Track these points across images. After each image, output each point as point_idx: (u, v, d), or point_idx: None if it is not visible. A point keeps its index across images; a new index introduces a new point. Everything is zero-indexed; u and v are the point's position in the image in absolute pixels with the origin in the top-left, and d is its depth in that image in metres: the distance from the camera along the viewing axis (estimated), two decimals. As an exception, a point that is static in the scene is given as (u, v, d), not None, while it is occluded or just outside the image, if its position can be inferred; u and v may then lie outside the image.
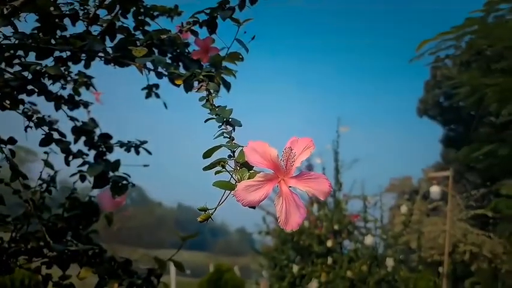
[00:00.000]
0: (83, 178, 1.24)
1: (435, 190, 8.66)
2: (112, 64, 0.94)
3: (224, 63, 1.11)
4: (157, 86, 1.25)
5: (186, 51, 1.11)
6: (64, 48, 0.93)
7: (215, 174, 0.61)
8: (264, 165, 0.58)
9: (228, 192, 0.58)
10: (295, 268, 5.79)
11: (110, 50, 1.03)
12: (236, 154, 0.62)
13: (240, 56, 1.12)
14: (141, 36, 1.14)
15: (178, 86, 0.93)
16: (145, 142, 1.15)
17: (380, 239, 5.97)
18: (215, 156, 0.65)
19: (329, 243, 5.78)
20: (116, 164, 1.07)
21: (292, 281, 5.84)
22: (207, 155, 0.64)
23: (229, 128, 0.69)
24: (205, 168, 0.62)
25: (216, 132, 0.68)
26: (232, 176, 0.59)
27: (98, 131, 1.13)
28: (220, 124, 0.70)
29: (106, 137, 1.11)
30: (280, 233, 6.20)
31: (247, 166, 0.60)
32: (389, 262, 5.36)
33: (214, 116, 0.71)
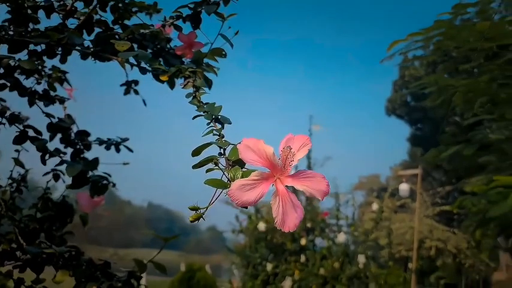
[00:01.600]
0: (56, 177, 1.19)
1: (404, 188, 8.89)
2: (92, 58, 0.90)
3: (206, 60, 1.09)
4: (136, 82, 1.21)
5: (168, 46, 1.08)
6: (40, 41, 0.89)
7: (206, 172, 0.58)
8: (259, 163, 0.55)
9: (219, 191, 0.56)
10: (269, 266, 5.81)
11: (87, 44, 0.99)
12: (227, 152, 0.60)
13: (224, 53, 1.10)
14: (119, 31, 1.10)
15: (163, 82, 0.90)
16: (126, 139, 1.11)
17: (351, 236, 6.08)
18: (203, 155, 0.63)
19: (302, 241, 5.83)
20: (95, 163, 1.03)
21: (266, 279, 5.86)
22: (196, 152, 0.62)
23: (218, 126, 0.67)
24: (195, 166, 0.60)
25: (204, 130, 0.66)
26: (224, 174, 0.57)
27: (74, 128, 1.08)
28: (209, 121, 0.68)
29: (83, 134, 1.07)
30: (254, 231, 6.21)
31: (239, 164, 0.58)
32: (361, 259, 5.46)
33: (202, 113, 0.69)
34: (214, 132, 0.65)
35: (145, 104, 1.26)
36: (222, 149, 0.61)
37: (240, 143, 0.56)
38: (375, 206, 6.83)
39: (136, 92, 1.22)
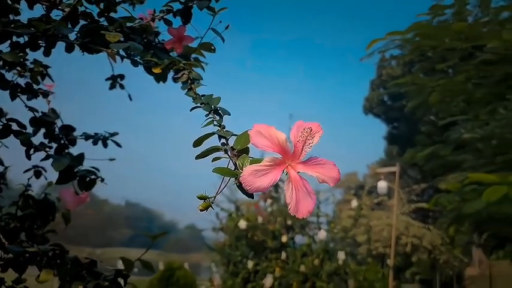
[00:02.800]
0: (38, 174, 1.15)
1: (382, 185, 9.03)
2: (80, 51, 0.87)
3: (194, 55, 1.08)
4: (122, 76, 1.18)
5: (156, 40, 1.06)
6: (26, 32, 0.85)
7: (212, 161, 0.58)
8: (270, 149, 0.55)
9: (227, 179, 0.56)
10: (250, 264, 5.81)
11: (73, 37, 0.96)
12: (230, 142, 0.59)
13: (213, 47, 1.09)
14: (105, 23, 1.07)
15: (155, 75, 0.88)
16: (115, 134, 1.07)
17: (331, 233, 6.13)
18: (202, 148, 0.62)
19: (283, 239, 5.85)
20: (80, 158, 1.00)
21: (246, 276, 5.86)
22: (197, 143, 0.61)
23: (217, 117, 0.66)
24: (198, 156, 0.59)
25: (203, 121, 0.65)
26: (232, 162, 0.57)
27: (59, 123, 1.05)
28: (208, 113, 0.67)
29: (68, 129, 1.03)
30: (234, 229, 6.20)
31: (244, 153, 0.57)
32: (341, 255, 5.51)
33: (200, 105, 0.68)
34: (215, 123, 0.64)
35: (130, 99, 1.24)
36: (225, 139, 0.60)
37: (247, 131, 0.56)
38: (354, 204, 6.91)
39: (122, 87, 1.19)
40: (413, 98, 5.85)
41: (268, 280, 5.47)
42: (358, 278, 5.84)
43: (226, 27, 1.02)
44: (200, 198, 0.56)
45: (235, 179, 0.55)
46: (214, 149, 0.59)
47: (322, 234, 5.75)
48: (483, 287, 13.22)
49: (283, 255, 5.75)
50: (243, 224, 5.92)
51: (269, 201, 6.23)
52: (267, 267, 5.71)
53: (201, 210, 0.56)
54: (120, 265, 1.15)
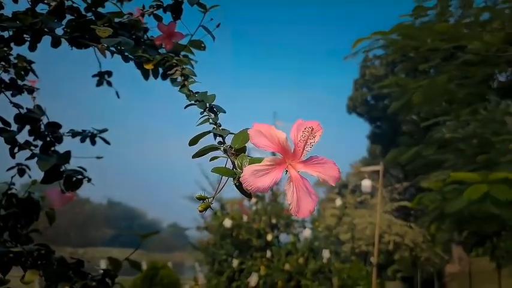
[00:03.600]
0: (22, 172, 1.12)
1: (366, 184, 9.12)
2: (69, 45, 0.84)
3: (183, 53, 1.06)
4: (110, 73, 1.16)
5: (145, 36, 1.04)
6: (11, 26, 0.83)
7: (210, 161, 0.57)
8: (271, 148, 0.54)
9: (225, 178, 0.55)
10: (235, 262, 5.79)
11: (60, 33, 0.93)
12: (228, 141, 0.58)
13: (203, 45, 1.07)
14: (93, 18, 1.04)
15: (146, 71, 0.86)
16: (104, 130, 1.05)
17: (315, 232, 6.16)
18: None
19: (268, 237, 5.85)
20: (67, 156, 0.97)
21: (231, 275, 5.84)
22: (193, 142, 0.60)
23: (212, 115, 0.65)
24: (195, 156, 0.58)
25: (198, 119, 0.64)
26: (231, 162, 0.56)
27: (44, 119, 1.02)
28: (202, 111, 0.65)
29: (54, 126, 1.00)
30: (219, 228, 6.18)
31: (242, 152, 0.56)
32: (326, 254, 5.55)
33: (194, 102, 0.67)
34: (210, 121, 0.63)
35: (118, 96, 1.21)
36: (222, 138, 0.59)
37: (245, 129, 0.55)
38: (338, 202, 6.96)
39: (109, 84, 1.17)
40: (396, 100, 5.92)
41: (253, 279, 5.46)
42: (342, 276, 5.89)
43: (218, 26, 1.00)
44: (199, 198, 0.55)
45: (234, 179, 0.54)
46: (212, 148, 0.58)
47: (307, 233, 5.77)
48: (463, 283, 13.50)
49: (268, 253, 5.75)
50: (228, 222, 5.90)
51: (254, 199, 6.23)
52: (252, 265, 5.70)
53: (200, 211, 0.55)
54: (103, 265, 1.13)
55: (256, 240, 5.89)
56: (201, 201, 0.55)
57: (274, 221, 6.03)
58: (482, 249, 9.19)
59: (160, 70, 0.93)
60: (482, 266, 12.23)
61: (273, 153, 0.57)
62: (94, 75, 1.15)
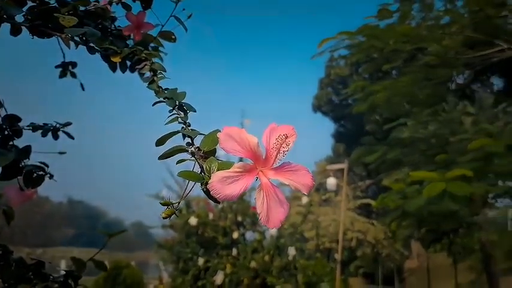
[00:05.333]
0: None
1: (331, 182, 9.26)
2: (30, 34, 0.79)
3: (152, 44, 1.02)
4: (74, 64, 1.10)
5: (113, 26, 0.99)
6: (-34, 10, 0.77)
7: (176, 164, 0.53)
8: (241, 154, 0.51)
9: (192, 183, 0.51)
10: (201, 261, 5.73)
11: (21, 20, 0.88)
12: (197, 142, 0.55)
13: (173, 36, 1.04)
14: (56, 6, 0.99)
15: (113, 63, 0.83)
16: (68, 124, 0.99)
17: (281, 230, 6.20)
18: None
19: (234, 235, 5.83)
20: (26, 151, 0.92)
21: (197, 274, 5.78)
22: (160, 142, 0.56)
23: (182, 114, 0.62)
24: (161, 157, 0.54)
25: (167, 117, 0.60)
26: (199, 165, 0.53)
27: (2, 112, 0.96)
28: (171, 108, 0.62)
29: (13, 119, 0.95)
30: (184, 226, 6.10)
31: (212, 155, 0.53)
32: (291, 251, 5.58)
33: (163, 99, 0.63)
34: (180, 120, 0.60)
35: (83, 89, 1.16)
36: (190, 139, 0.55)
37: (215, 131, 0.52)
38: (304, 200, 7.03)
39: (73, 75, 1.12)
40: (360, 101, 6.03)
41: (219, 277, 5.43)
42: (307, 273, 5.95)
43: (189, 16, 0.97)
44: (163, 204, 0.52)
45: (202, 184, 0.51)
46: (179, 150, 0.54)
47: (272, 230, 5.80)
48: (421, 278, 13.98)
49: (234, 251, 5.73)
50: (193, 220, 5.83)
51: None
52: (217, 264, 5.67)
53: (164, 218, 0.52)
54: (64, 265, 1.08)
55: (222, 238, 5.86)
56: (166, 207, 0.52)
57: (240, 218, 6.02)
58: (440, 245, 9.56)
59: (129, 63, 0.89)
60: (439, 261, 12.71)
61: (241, 159, 0.55)
62: (57, 66, 1.09)
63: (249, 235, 6.20)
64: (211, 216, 6.01)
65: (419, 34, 5.22)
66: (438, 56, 5.64)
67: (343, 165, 9.00)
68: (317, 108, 22.41)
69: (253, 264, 5.46)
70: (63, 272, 0.95)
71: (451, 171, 4.21)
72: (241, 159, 0.55)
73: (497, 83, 6.47)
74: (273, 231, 5.77)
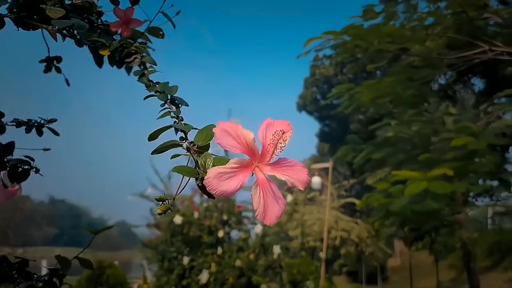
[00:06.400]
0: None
1: (316, 181, 9.32)
2: (16, 27, 0.77)
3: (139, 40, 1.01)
4: (59, 59, 1.08)
5: (99, 21, 0.98)
6: None
7: (171, 159, 0.52)
8: (237, 149, 0.50)
9: (186, 179, 0.51)
10: (186, 260, 5.69)
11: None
12: (190, 136, 0.54)
13: (161, 32, 1.03)
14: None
15: (100, 58, 0.81)
16: (53, 120, 0.97)
17: (266, 228, 6.20)
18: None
19: (220, 233, 5.81)
20: (10, 147, 0.90)
21: (182, 273, 5.74)
22: (153, 136, 0.55)
23: (174, 108, 0.61)
24: (155, 152, 0.53)
25: (159, 112, 0.59)
26: (195, 161, 0.52)
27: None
28: (163, 103, 0.61)
29: (-4, 114, 0.92)
30: (170, 225, 6.06)
31: (206, 150, 0.53)
32: (276, 250, 5.60)
33: (154, 93, 0.62)
34: (172, 114, 0.59)
35: (68, 84, 1.13)
36: (183, 134, 0.54)
37: (210, 125, 0.51)
38: (289, 199, 7.04)
39: (58, 70, 1.09)
40: (347, 106, 6.07)
41: (204, 276, 5.41)
42: (292, 271, 5.97)
43: (178, 13, 0.96)
44: (158, 200, 0.51)
45: (197, 180, 0.50)
46: (174, 144, 0.53)
47: (258, 229, 5.80)
48: (404, 276, 14.17)
49: (219, 250, 5.71)
50: (178, 219, 5.80)
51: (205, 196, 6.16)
52: (203, 262, 5.64)
53: (159, 214, 0.51)
54: (45, 265, 1.06)
55: (207, 237, 5.83)
56: (160, 202, 0.51)
57: (225, 217, 6.00)
58: (422, 244, 9.70)
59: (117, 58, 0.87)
60: (421, 259, 12.90)
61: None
62: (41, 61, 1.07)
63: (234, 234, 6.20)
64: (196, 215, 5.98)
65: (404, 35, 5.29)
66: (422, 56, 5.72)
67: (328, 165, 9.07)
68: (302, 107, 22.50)
69: (238, 263, 5.46)
70: (45, 271, 0.93)
71: (433, 170, 4.28)
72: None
73: (478, 83, 6.60)
74: (258, 230, 5.78)
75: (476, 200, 6.36)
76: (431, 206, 4.49)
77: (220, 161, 0.51)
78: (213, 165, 0.50)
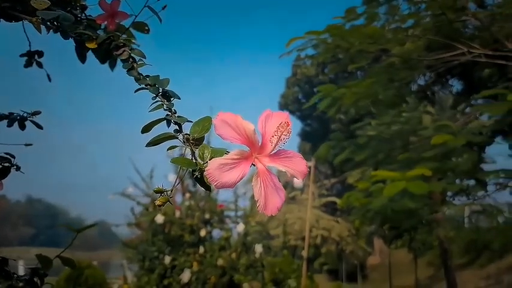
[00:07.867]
0: None
1: (298, 180, 9.35)
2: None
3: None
4: (40, 53, 1.05)
5: (83, 15, 0.96)
6: None
7: (168, 150, 0.52)
8: (237, 140, 0.50)
9: (184, 170, 0.50)
10: (167, 259, 5.64)
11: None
12: (184, 129, 0.54)
13: (146, 28, 1.01)
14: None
15: (83, 54, 0.79)
16: (37, 113, 0.94)
17: (248, 227, 6.20)
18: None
19: (202, 232, 5.79)
20: (-10, 143, 0.87)
21: (163, 272, 5.69)
22: (146, 129, 0.54)
23: (165, 101, 0.60)
24: (149, 144, 0.53)
25: (150, 105, 0.59)
26: (192, 153, 0.51)
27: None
28: (155, 96, 0.60)
29: (-25, 109, 0.89)
30: (151, 224, 5.99)
31: (201, 142, 0.52)
32: (258, 248, 5.60)
33: (145, 86, 0.61)
34: (165, 107, 0.58)
35: (49, 80, 1.11)
36: (178, 126, 0.54)
37: (206, 117, 0.51)
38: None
39: (39, 65, 1.07)
40: (330, 107, 6.11)
41: (186, 275, 5.37)
42: (274, 270, 5.99)
43: (164, 8, 0.95)
44: (156, 192, 0.51)
45: (196, 171, 0.50)
46: (169, 136, 0.53)
47: (240, 228, 5.79)
48: (383, 274, 14.38)
49: (201, 249, 5.68)
50: (160, 218, 5.74)
51: (187, 195, 6.12)
52: (184, 262, 5.60)
53: (158, 206, 0.51)
54: (20, 265, 1.04)
55: (188, 236, 5.80)
56: (159, 194, 0.51)
57: (207, 216, 5.98)
58: (401, 242, 9.87)
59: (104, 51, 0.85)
60: (400, 257, 13.12)
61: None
62: (22, 55, 1.04)
63: (216, 233, 6.18)
64: (178, 214, 5.94)
65: (384, 36, 5.35)
66: (401, 57, 5.80)
67: (310, 163, 9.12)
68: (284, 106, 22.59)
69: (220, 262, 5.44)
70: (23, 271, 0.90)
71: (411, 170, 4.36)
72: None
73: (456, 85, 6.73)
74: (240, 229, 5.78)
75: (454, 199, 6.49)
76: (409, 206, 4.57)
77: (218, 152, 0.51)
78: (211, 157, 0.49)
